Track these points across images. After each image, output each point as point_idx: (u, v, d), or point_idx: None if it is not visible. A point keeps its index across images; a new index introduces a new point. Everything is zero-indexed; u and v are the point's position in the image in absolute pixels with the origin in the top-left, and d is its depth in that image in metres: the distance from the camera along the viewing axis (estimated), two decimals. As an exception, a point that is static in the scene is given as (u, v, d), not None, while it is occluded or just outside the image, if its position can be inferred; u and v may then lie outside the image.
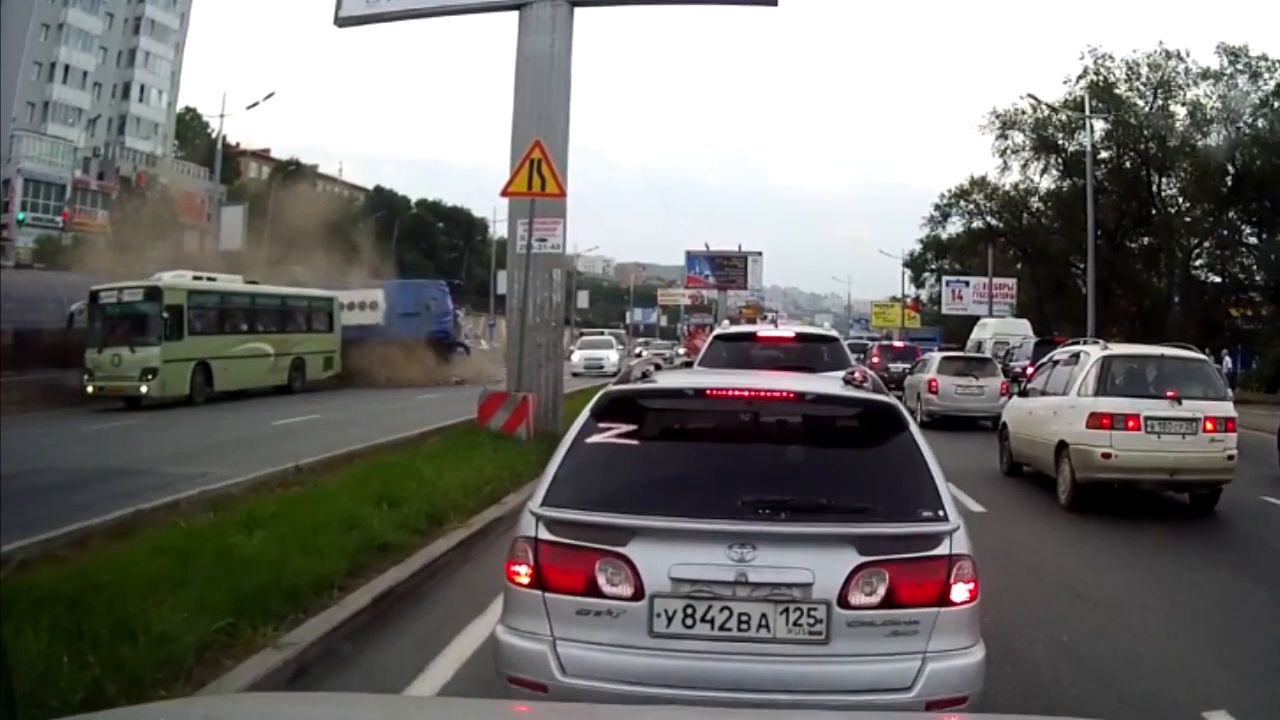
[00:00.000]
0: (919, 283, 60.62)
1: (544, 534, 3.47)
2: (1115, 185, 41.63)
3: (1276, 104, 36.91)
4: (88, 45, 55.60)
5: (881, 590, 3.32)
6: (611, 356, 37.46)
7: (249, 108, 55.62)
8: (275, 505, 7.73)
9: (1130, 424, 9.89)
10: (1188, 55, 40.01)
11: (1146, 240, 43.78)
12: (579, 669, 3.34)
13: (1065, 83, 42.85)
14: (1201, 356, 11.37)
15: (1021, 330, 34.39)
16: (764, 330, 12.95)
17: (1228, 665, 5.51)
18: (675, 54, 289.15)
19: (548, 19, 14.01)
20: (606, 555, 3.37)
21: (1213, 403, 10.14)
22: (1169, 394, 10.00)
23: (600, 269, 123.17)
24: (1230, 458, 9.95)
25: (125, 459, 12.99)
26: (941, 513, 3.45)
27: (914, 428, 3.78)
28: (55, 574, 5.48)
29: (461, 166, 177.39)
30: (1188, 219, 41.45)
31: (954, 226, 51.93)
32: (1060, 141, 43.39)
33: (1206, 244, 41.52)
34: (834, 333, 14.05)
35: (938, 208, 50.87)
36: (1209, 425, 9.89)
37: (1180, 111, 40.35)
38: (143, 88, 59.79)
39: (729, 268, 65.06)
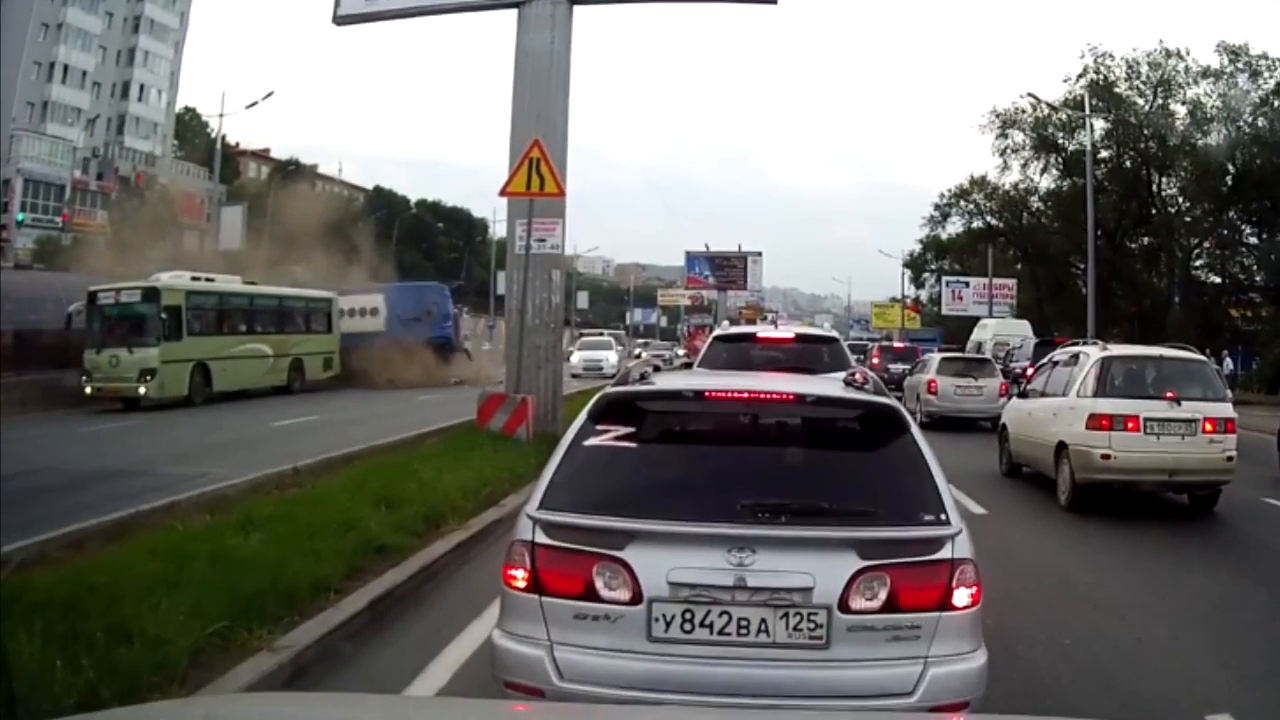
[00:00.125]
0: (919, 283, 60.75)
1: (541, 538, 3.44)
2: (1115, 185, 41.62)
3: (1277, 103, 36.90)
4: (87, 45, 55.56)
5: (883, 595, 3.29)
6: (611, 357, 37.37)
7: (248, 107, 55.89)
8: (273, 507, 7.71)
9: (1129, 425, 9.88)
10: (1188, 54, 40.11)
11: (1146, 240, 43.78)
12: (576, 674, 3.31)
13: (1065, 81, 42.96)
14: (1201, 357, 11.37)
15: (1021, 331, 34.38)
16: (764, 331, 12.90)
17: (1228, 666, 5.50)
18: (675, 54, 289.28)
19: (547, 17, 13.99)
20: (604, 559, 3.34)
21: (1212, 404, 10.14)
22: (1168, 395, 10.00)
23: (600, 269, 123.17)
24: (1229, 459, 9.94)
25: (123, 460, 12.97)
26: (943, 516, 3.42)
27: (915, 430, 3.75)
28: (50, 576, 5.46)
29: (461, 166, 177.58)
30: (1188, 218, 41.44)
31: (954, 226, 52.07)
32: (1060, 141, 43.41)
33: (1207, 244, 41.51)
34: (834, 333, 14.02)
35: (937, 208, 50.98)
36: (1208, 426, 9.89)
37: (1180, 110, 40.43)
38: (142, 87, 59.74)
39: (729, 268, 65.06)
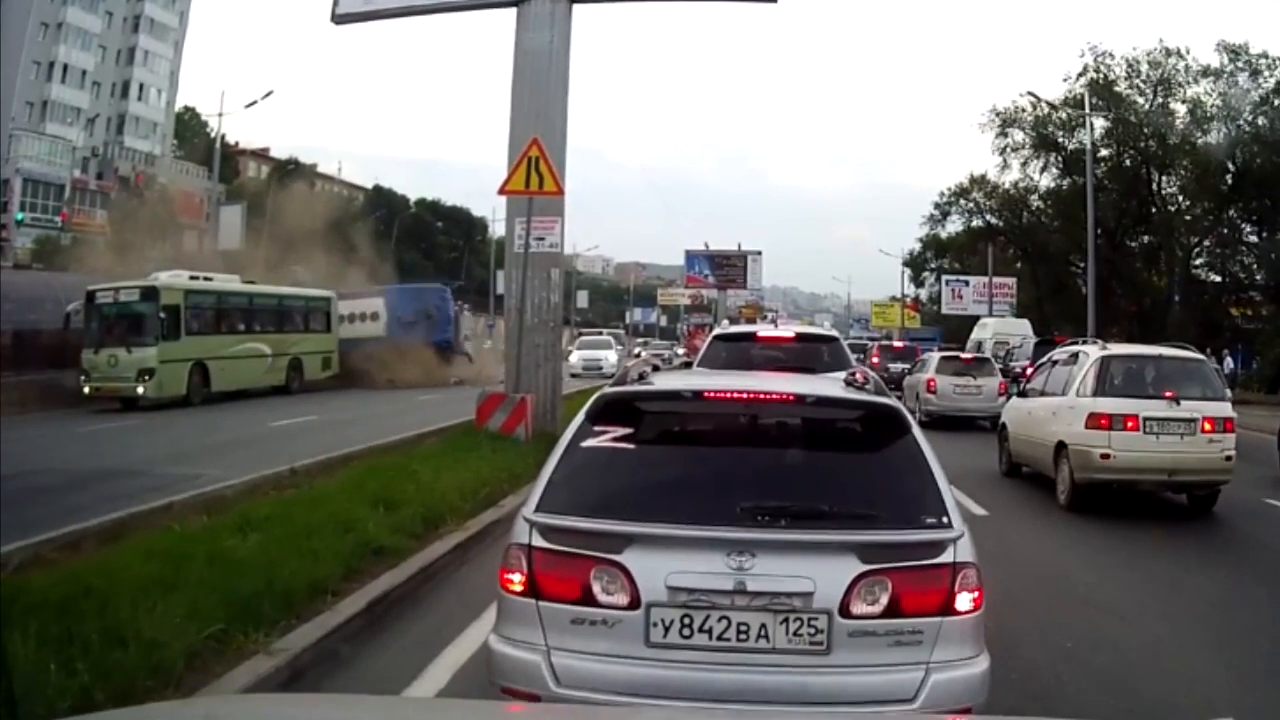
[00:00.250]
0: (919, 282, 60.72)
1: (538, 541, 3.40)
2: (1115, 183, 41.58)
3: (1277, 102, 36.85)
4: (87, 44, 55.53)
5: (884, 599, 3.24)
6: (610, 357, 37.28)
7: (247, 106, 55.52)
8: (270, 508, 7.68)
9: (1129, 424, 9.88)
10: (1188, 53, 40.04)
11: (1146, 239, 43.72)
12: (573, 679, 3.26)
13: (1065, 80, 42.88)
14: (1200, 356, 11.36)
15: (1021, 330, 34.34)
16: (764, 330, 12.90)
17: (1229, 667, 5.49)
18: (675, 53, 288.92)
19: (546, 15, 13.97)
20: (602, 563, 3.29)
21: (1211, 403, 10.14)
22: (1167, 394, 10.00)
23: (600, 268, 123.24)
24: (1228, 458, 9.94)
25: (121, 460, 12.95)
26: (945, 519, 3.37)
27: (917, 431, 3.70)
28: (46, 578, 5.43)
29: (461, 166, 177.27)
30: (1188, 217, 41.38)
31: (954, 225, 51.99)
32: (1060, 139, 43.33)
33: (1207, 242, 41.44)
34: (834, 332, 14.01)
35: (937, 206, 50.91)
36: (1207, 425, 9.89)
37: (1180, 109, 40.37)
38: (141, 87, 59.70)
39: (729, 267, 64.97)
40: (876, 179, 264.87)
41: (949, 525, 3.36)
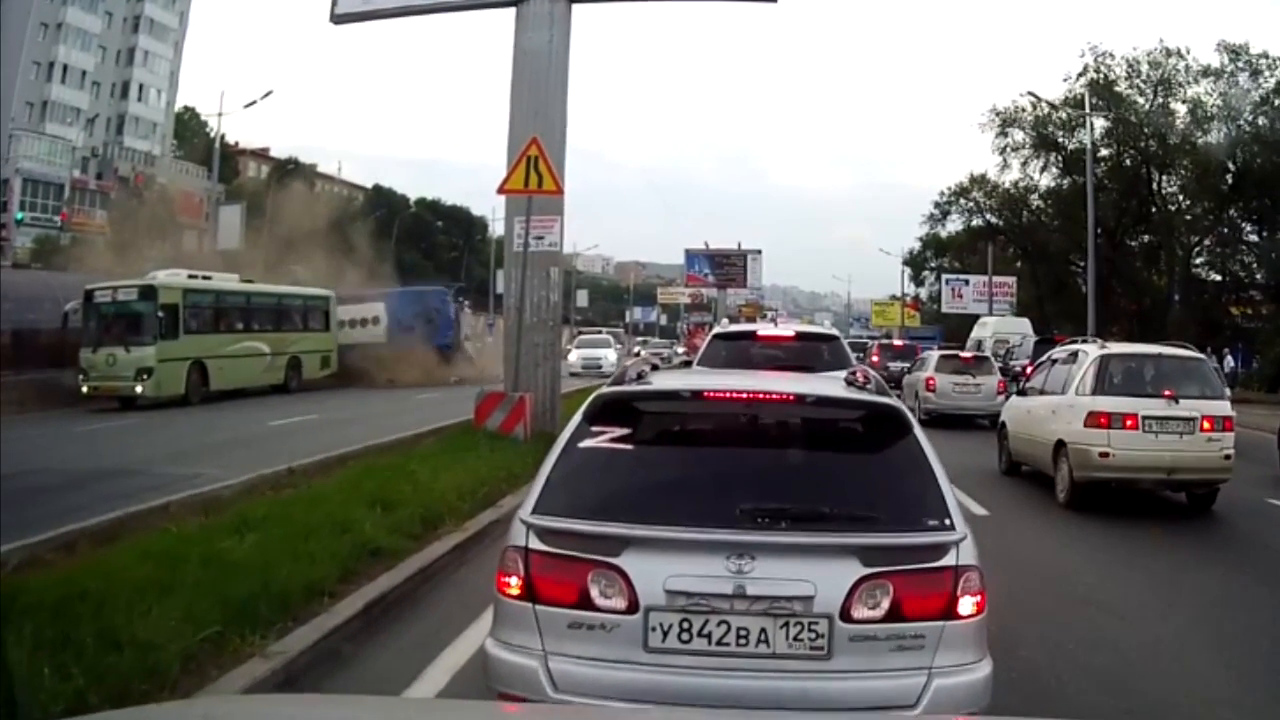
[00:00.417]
0: (919, 281, 60.69)
1: (535, 543, 3.35)
2: (1115, 183, 41.52)
3: (1277, 101, 36.79)
4: (86, 44, 55.50)
5: (885, 603, 3.19)
6: (610, 356, 37.24)
7: (247, 106, 55.26)
8: (267, 508, 7.64)
9: (1128, 423, 9.87)
10: (1188, 53, 39.94)
11: (1147, 238, 43.66)
12: (571, 685, 3.22)
13: (1065, 80, 42.78)
14: (1199, 355, 11.35)
15: (1021, 329, 34.32)
16: (764, 329, 12.88)
17: (1229, 666, 5.48)
18: (675, 53, 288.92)
19: (545, 15, 13.96)
20: (599, 566, 3.24)
21: (1210, 402, 10.14)
22: (1166, 393, 9.99)
23: (600, 268, 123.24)
24: (1227, 457, 9.94)
25: (120, 460, 12.93)
26: (948, 521, 3.32)
27: (919, 431, 3.65)
28: (41, 580, 5.40)
29: (461, 166, 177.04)
30: (1188, 217, 41.31)
31: (954, 224, 51.88)
32: (1060, 139, 43.26)
33: (1207, 242, 41.37)
34: (834, 331, 14.00)
35: (937, 205, 50.80)
36: (1206, 424, 9.89)
37: (1181, 109, 40.27)
38: (141, 87, 59.67)
39: (728, 266, 64.92)
40: (876, 179, 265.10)
41: (951, 527, 3.31)
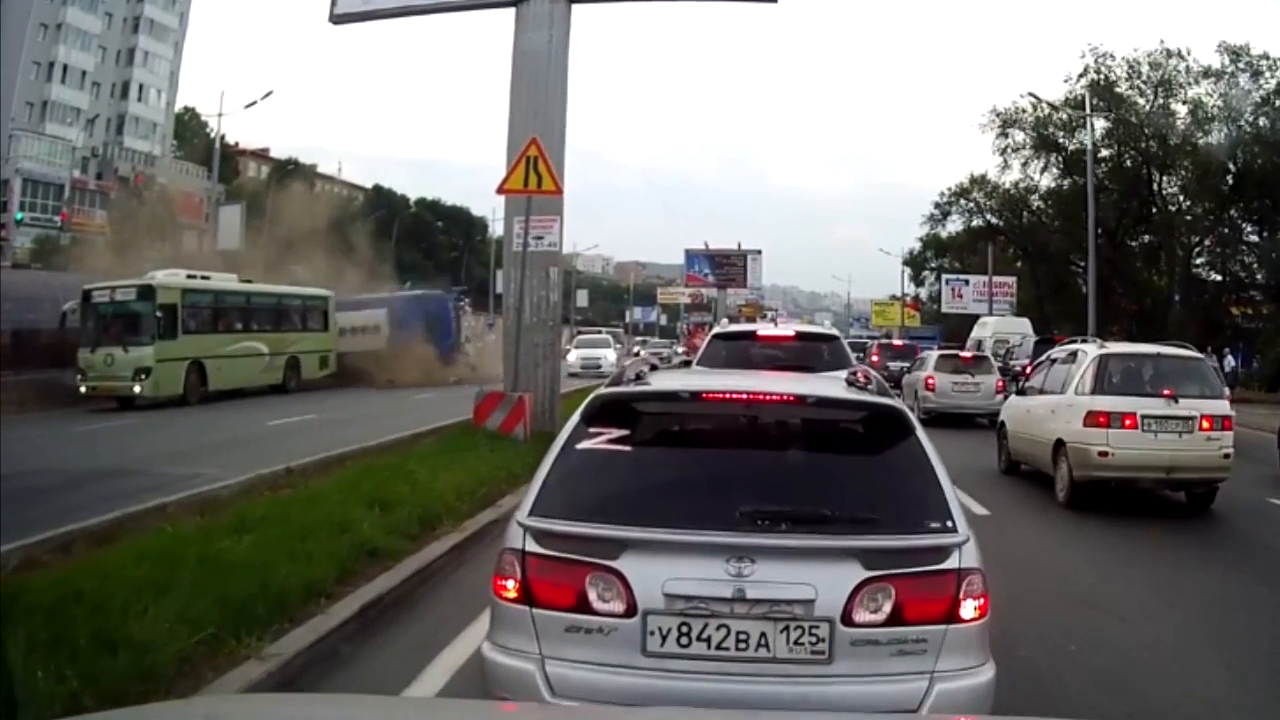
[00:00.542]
0: (919, 281, 60.65)
1: (531, 546, 3.31)
2: (1116, 184, 41.49)
3: (1278, 102, 36.79)
4: (86, 45, 55.49)
5: (887, 607, 3.15)
6: (609, 356, 37.17)
7: (247, 107, 55.21)
8: (264, 508, 7.62)
9: (1127, 422, 9.87)
10: (1189, 54, 39.87)
11: (1147, 238, 43.63)
12: (568, 689, 3.18)
13: (1066, 81, 42.73)
14: (1198, 355, 11.35)
15: (1021, 329, 34.27)
16: (764, 329, 12.87)
17: (1229, 666, 5.47)
18: (675, 53, 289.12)
19: (545, 15, 13.96)
20: (597, 569, 3.20)
21: (1209, 401, 10.14)
22: (1165, 392, 9.99)
23: (599, 268, 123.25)
24: (1226, 456, 9.93)
25: (118, 460, 12.92)
26: (950, 523, 3.28)
27: (920, 432, 3.61)
28: (37, 581, 5.37)
29: (461, 166, 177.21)
30: (1188, 217, 41.27)
31: (954, 225, 51.83)
32: (1061, 140, 43.22)
33: (1207, 242, 41.34)
34: (834, 331, 13.99)
35: (938, 206, 50.75)
36: (1205, 423, 9.89)
37: (1181, 110, 40.22)
38: (141, 87, 59.66)
39: (728, 266, 64.95)
40: (876, 179, 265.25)
41: (954, 530, 3.27)
